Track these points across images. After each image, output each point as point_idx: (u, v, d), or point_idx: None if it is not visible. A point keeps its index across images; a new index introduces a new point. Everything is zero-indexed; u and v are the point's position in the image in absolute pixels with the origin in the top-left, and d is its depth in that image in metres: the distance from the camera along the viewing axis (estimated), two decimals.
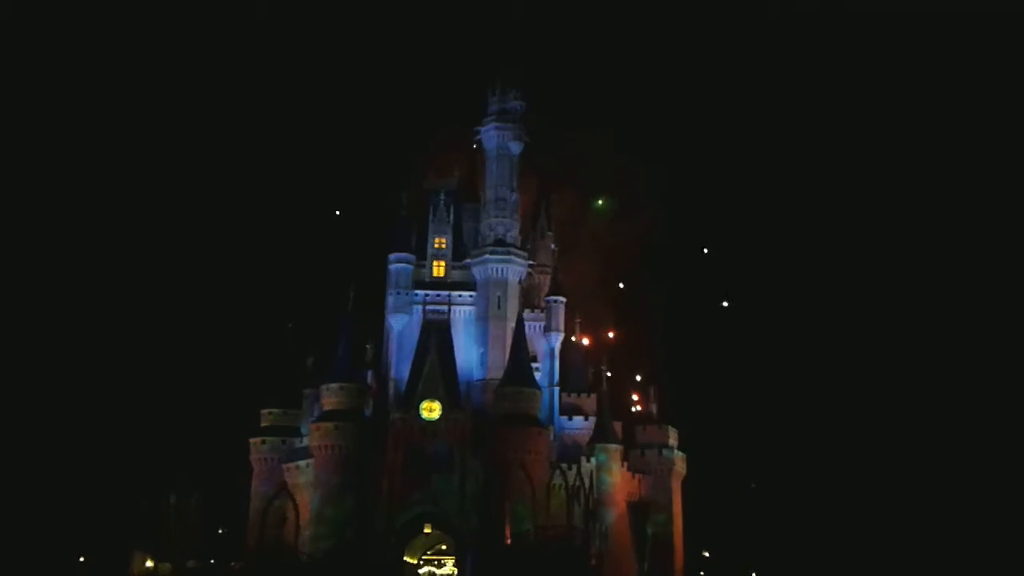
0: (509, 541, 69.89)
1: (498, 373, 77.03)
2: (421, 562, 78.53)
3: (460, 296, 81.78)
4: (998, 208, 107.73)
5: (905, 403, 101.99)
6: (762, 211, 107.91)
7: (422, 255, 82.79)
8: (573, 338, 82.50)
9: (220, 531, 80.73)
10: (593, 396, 79.10)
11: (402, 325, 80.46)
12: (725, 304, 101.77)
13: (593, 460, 74.98)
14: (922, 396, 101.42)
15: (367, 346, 78.55)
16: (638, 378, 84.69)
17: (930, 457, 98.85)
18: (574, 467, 74.17)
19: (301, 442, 77.13)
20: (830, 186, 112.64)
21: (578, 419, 78.63)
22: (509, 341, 77.72)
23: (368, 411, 75.41)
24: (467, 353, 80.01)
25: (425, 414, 72.65)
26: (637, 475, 78.07)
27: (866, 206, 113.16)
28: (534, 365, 78.65)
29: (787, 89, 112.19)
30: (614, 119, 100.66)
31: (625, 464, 77.39)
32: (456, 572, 73.60)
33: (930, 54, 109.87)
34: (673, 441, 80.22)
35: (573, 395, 79.53)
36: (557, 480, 73.41)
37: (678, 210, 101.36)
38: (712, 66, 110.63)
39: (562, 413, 78.80)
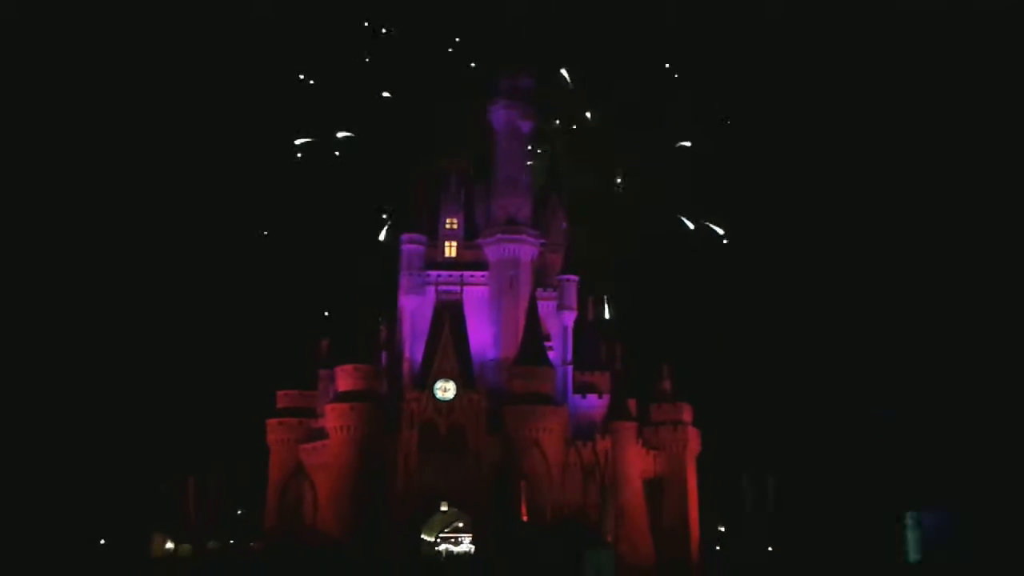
0: (525, 519, 70.38)
1: (512, 352, 77.31)
2: (438, 540, 79.11)
3: (472, 276, 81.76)
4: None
5: (920, 377, 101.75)
6: (774, 191, 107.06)
7: (434, 235, 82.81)
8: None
9: (239, 512, 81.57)
10: (607, 373, 79.17)
11: (415, 305, 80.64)
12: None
13: (608, 437, 75.23)
14: (934, 372, 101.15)
15: (381, 327, 78.89)
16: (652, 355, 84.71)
17: (947, 435, 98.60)
18: (589, 445, 74.57)
19: (317, 423, 77.60)
20: (836, 166, 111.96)
21: (592, 397, 78.70)
22: (522, 320, 77.90)
23: (383, 392, 75.77)
24: (480, 333, 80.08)
25: (439, 394, 73.02)
26: (652, 452, 78.33)
27: (870, 196, 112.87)
28: (547, 344, 78.76)
29: (792, 86, 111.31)
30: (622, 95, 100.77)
31: (640, 441, 77.61)
32: (473, 549, 74.08)
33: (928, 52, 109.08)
34: (688, 417, 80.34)
35: (587, 373, 79.53)
36: (572, 458, 73.78)
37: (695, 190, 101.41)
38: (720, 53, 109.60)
39: (576, 391, 78.91)
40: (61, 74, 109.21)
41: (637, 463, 76.77)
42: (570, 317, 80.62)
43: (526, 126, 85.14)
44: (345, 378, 74.98)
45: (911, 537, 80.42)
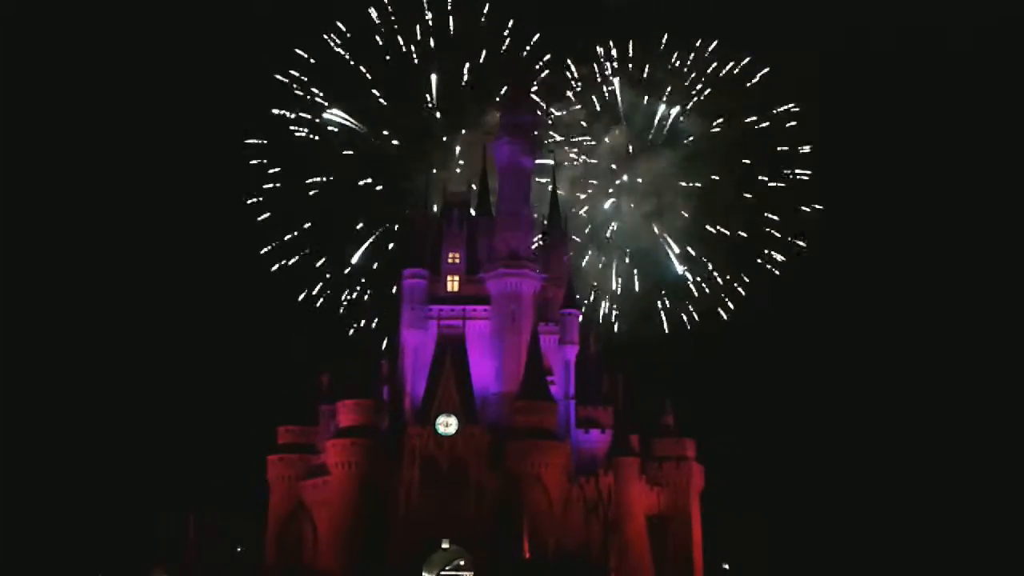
0: (528, 556, 69.64)
1: (514, 387, 76.89)
2: None
3: (474, 310, 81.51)
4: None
5: (925, 417, 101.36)
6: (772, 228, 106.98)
7: (436, 270, 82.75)
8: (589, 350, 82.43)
9: (238, 549, 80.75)
10: (610, 408, 78.68)
11: (417, 340, 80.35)
12: None
13: (611, 473, 74.62)
14: (943, 409, 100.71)
15: (382, 362, 78.60)
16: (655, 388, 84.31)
17: (955, 469, 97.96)
18: (591, 480, 73.96)
19: (318, 459, 77.04)
20: (836, 200, 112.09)
21: (595, 432, 78.21)
22: (524, 354, 77.54)
23: (384, 427, 75.32)
24: (482, 367, 79.63)
25: (441, 429, 72.52)
26: (655, 488, 77.61)
27: (861, 221, 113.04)
28: (550, 378, 78.37)
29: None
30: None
31: (643, 477, 76.97)
32: None
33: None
34: (691, 453, 79.70)
35: (589, 407, 79.08)
36: (575, 494, 73.17)
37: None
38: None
39: (579, 426, 78.40)
40: (64, 80, 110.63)
41: (640, 499, 76.08)
42: (572, 351, 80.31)
43: (528, 162, 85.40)
44: (346, 413, 74.57)
45: None
